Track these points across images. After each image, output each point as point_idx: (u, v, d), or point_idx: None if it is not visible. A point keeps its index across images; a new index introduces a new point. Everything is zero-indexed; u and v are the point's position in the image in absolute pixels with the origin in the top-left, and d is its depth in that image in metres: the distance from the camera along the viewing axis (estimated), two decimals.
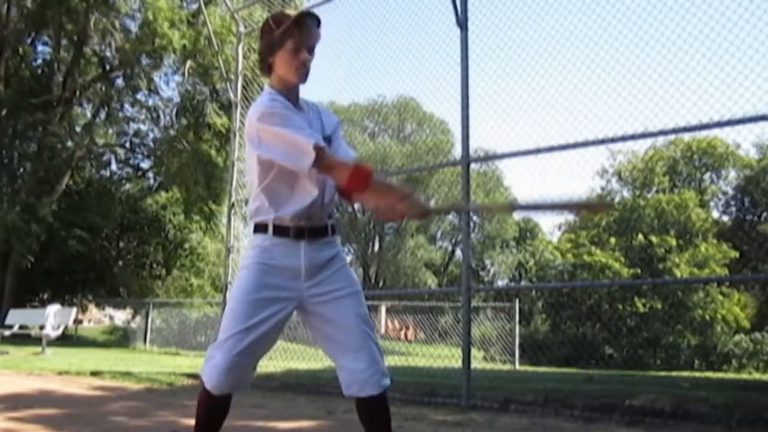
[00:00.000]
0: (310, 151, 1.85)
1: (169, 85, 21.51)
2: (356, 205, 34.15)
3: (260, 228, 2.05)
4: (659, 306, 19.66)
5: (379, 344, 2.04)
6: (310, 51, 2.06)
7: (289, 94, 2.06)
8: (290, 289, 2.00)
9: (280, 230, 2.02)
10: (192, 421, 2.04)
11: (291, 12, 2.06)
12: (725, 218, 27.89)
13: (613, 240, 22.93)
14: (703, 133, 22.80)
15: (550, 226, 43.43)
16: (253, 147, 1.99)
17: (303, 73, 2.05)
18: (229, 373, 1.92)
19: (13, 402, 4.41)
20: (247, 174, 2.12)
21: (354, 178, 1.86)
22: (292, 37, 2.01)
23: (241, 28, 7.73)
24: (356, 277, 2.12)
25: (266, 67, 2.09)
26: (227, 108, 14.67)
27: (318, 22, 2.09)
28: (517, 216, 36.57)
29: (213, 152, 17.74)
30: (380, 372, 1.96)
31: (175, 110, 20.06)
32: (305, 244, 2.02)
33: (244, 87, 7.50)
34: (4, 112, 17.92)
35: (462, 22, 5.26)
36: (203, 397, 1.99)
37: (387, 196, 1.91)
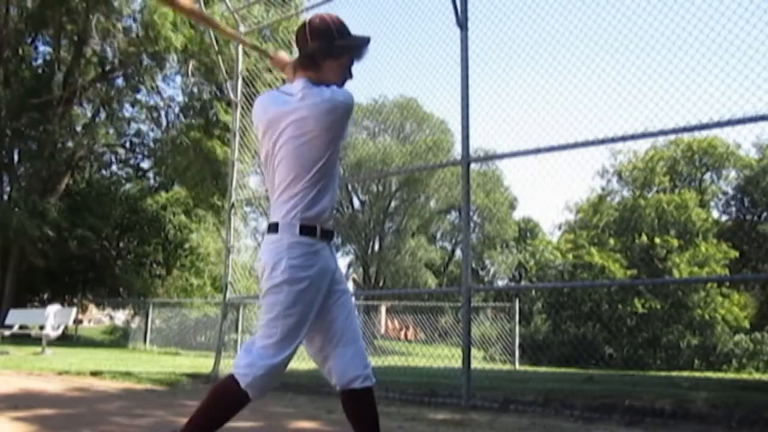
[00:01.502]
0: None
1: (170, 86, 21.56)
2: (356, 205, 34.21)
3: (307, 230, 1.99)
4: (659, 306, 19.66)
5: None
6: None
7: None
8: (325, 292, 2.04)
9: (324, 233, 2.04)
10: None
11: (345, 23, 2.16)
12: (725, 218, 27.89)
13: (612, 241, 22.93)
14: (703, 133, 22.83)
15: (550, 226, 43.45)
16: (332, 134, 2.01)
17: (342, 84, 2.15)
18: (275, 378, 1.97)
19: (13, 402, 4.41)
20: (289, 170, 2.00)
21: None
22: (350, 55, 2.15)
23: (242, 28, 7.72)
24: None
25: (315, 66, 2.11)
26: (230, 105, 14.66)
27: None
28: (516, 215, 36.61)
29: (219, 150, 17.70)
30: (368, 366, 2.06)
31: (177, 110, 20.08)
32: (329, 246, 2.09)
33: (244, 87, 7.49)
34: (4, 112, 17.92)
35: (462, 22, 5.26)
36: (231, 395, 1.95)
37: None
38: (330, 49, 2.08)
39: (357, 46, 2.14)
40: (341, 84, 2.11)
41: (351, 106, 2.04)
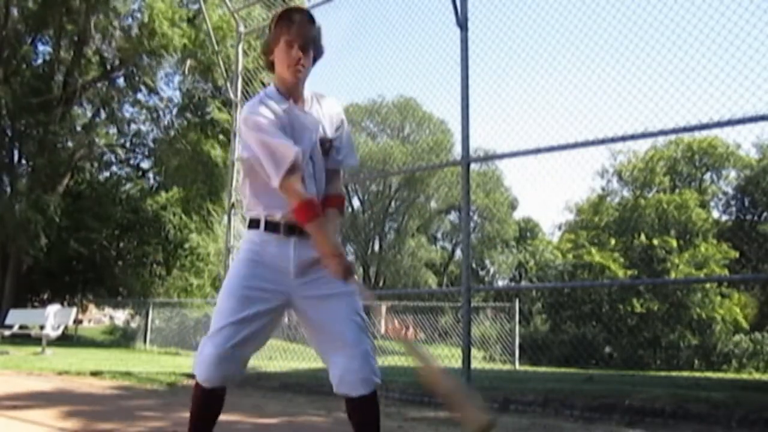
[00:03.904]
0: (281, 171, 1.91)
1: (169, 86, 21.57)
2: (356, 205, 34.21)
3: (253, 223, 2.07)
4: (659, 306, 19.65)
5: (372, 343, 2.05)
6: (304, 49, 2.04)
7: (290, 91, 2.07)
8: (279, 284, 2.00)
9: (271, 226, 2.03)
10: None
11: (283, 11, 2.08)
12: (725, 218, 27.88)
13: (613, 241, 22.93)
14: (703, 133, 22.81)
15: (551, 226, 43.46)
16: (240, 145, 2.08)
17: (297, 71, 2.04)
18: (220, 365, 1.93)
19: (13, 402, 4.41)
20: (241, 170, 2.16)
21: (297, 211, 1.93)
22: (283, 34, 2.03)
23: (241, 28, 7.73)
24: None
25: (269, 65, 2.11)
26: (230, 105, 14.69)
27: (310, 18, 2.08)
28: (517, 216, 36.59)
29: (213, 151, 17.73)
30: (372, 371, 1.96)
31: (175, 110, 20.07)
32: (296, 241, 2.01)
33: (244, 86, 7.50)
34: (4, 112, 17.92)
35: (462, 22, 5.25)
36: (196, 391, 2.01)
37: (321, 244, 1.95)
38: (269, 39, 2.10)
39: (280, 16, 2.06)
40: (297, 69, 2.05)
41: (251, 124, 1.98)
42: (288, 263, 2.01)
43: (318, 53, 2.14)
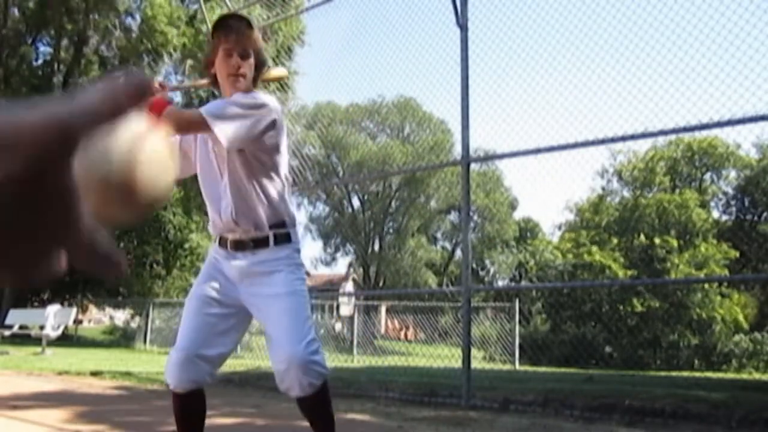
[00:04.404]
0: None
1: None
2: (356, 205, 34.22)
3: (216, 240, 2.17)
4: (659, 306, 19.65)
5: (316, 342, 1.94)
6: (243, 57, 1.96)
7: None
8: (230, 292, 2.05)
9: (219, 240, 2.10)
10: None
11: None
12: (725, 218, 27.88)
13: (614, 240, 22.92)
14: (704, 133, 22.79)
15: (551, 226, 43.48)
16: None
17: (236, 80, 1.95)
18: (183, 368, 1.97)
19: (13, 402, 4.41)
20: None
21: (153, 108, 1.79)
22: (221, 43, 1.96)
23: None
24: (295, 281, 2.04)
25: (212, 80, 2.04)
26: None
27: (249, 25, 2.00)
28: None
29: None
30: (302, 373, 1.86)
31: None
32: (238, 254, 2.04)
33: None
34: None
35: (462, 23, 5.26)
36: (173, 398, 2.04)
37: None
38: (210, 50, 2.10)
39: (215, 25, 2.03)
40: (234, 79, 1.99)
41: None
42: (231, 275, 2.06)
43: (260, 62, 2.04)
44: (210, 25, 10.07)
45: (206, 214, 2.13)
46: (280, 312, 1.95)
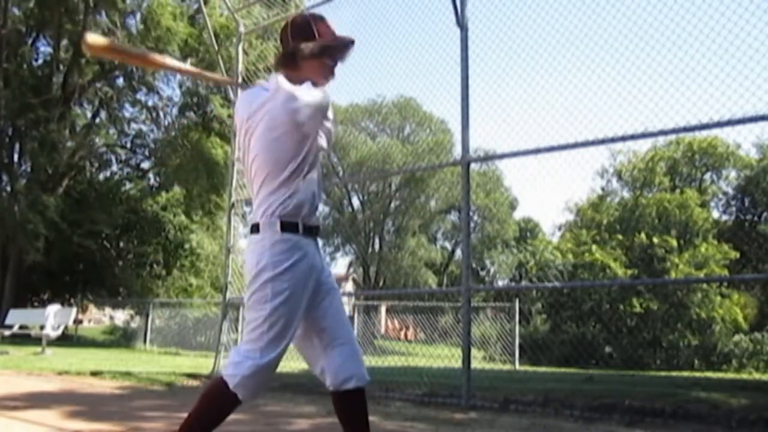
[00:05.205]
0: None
1: (169, 85, 21.57)
2: (356, 205, 34.21)
3: (289, 227, 1.96)
4: (659, 306, 19.65)
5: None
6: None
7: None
8: (313, 290, 2.01)
9: (307, 229, 2.01)
10: None
11: (330, 24, 2.13)
12: (725, 218, 27.89)
13: (615, 239, 22.92)
14: (704, 133, 22.83)
15: (551, 226, 43.51)
16: (304, 129, 1.96)
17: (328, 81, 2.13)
18: (265, 378, 1.92)
19: (14, 402, 4.41)
20: (263, 166, 1.98)
21: None
22: (332, 56, 2.11)
23: (241, 28, 7.73)
24: None
25: (294, 64, 2.09)
26: (231, 105, 14.72)
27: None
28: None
29: (214, 150, 17.73)
30: (363, 367, 2.03)
31: (176, 109, 20.08)
32: (315, 242, 2.07)
33: (243, 85, 7.49)
34: (4, 111, 17.92)
35: (462, 23, 5.26)
36: (222, 394, 1.91)
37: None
38: (311, 50, 2.05)
39: (338, 47, 2.10)
40: (322, 84, 2.08)
41: (324, 106, 2.00)
42: (321, 266, 2.06)
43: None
44: (210, 24, 9.97)
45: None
46: (340, 305, 2.09)
